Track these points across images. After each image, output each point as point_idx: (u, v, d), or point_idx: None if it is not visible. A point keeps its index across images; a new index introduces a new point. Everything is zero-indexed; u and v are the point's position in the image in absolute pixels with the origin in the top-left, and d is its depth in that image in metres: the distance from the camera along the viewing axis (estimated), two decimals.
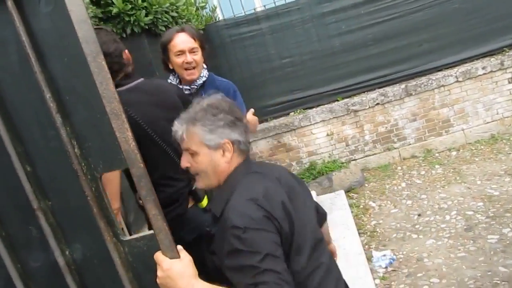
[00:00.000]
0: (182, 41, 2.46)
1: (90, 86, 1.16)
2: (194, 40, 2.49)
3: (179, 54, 2.46)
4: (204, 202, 2.20)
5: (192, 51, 2.48)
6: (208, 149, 1.47)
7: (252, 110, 2.67)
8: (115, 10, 4.03)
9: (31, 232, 1.29)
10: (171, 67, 2.56)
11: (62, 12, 1.14)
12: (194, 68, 2.53)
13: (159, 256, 1.24)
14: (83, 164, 1.23)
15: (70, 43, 1.16)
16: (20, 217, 1.29)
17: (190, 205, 2.20)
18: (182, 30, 2.49)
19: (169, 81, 2.60)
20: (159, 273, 1.24)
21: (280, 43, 6.78)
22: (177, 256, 1.24)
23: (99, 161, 1.24)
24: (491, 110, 6.54)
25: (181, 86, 2.56)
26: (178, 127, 1.51)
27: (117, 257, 1.26)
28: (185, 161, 1.53)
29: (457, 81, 6.47)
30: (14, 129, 1.24)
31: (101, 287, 1.33)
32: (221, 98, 1.56)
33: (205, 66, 2.73)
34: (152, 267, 1.26)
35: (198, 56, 2.52)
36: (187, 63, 2.46)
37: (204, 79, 2.65)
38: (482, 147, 6.30)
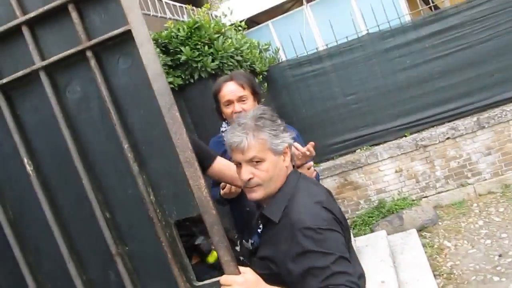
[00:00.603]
0: (230, 91, 2.35)
1: (164, 137, 1.22)
2: (243, 88, 2.37)
3: (227, 104, 2.37)
4: (212, 257, 2.15)
5: (240, 100, 2.36)
6: (274, 155, 1.48)
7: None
8: (183, 58, 4.24)
9: (109, 276, 1.34)
10: (224, 117, 2.48)
11: (139, 68, 1.22)
12: None
13: (228, 276, 1.24)
14: (158, 211, 1.28)
15: (146, 96, 1.23)
16: (99, 262, 1.34)
17: (194, 261, 2.15)
18: (231, 79, 2.40)
19: (222, 129, 2.52)
20: None
21: (344, 80, 6.77)
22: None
23: (173, 208, 1.28)
24: None
25: None
26: (241, 137, 1.46)
27: None
28: (247, 173, 1.47)
29: None
30: (95, 178, 1.31)
31: None
32: (266, 107, 1.58)
33: None
34: None
35: (247, 105, 2.37)
36: (235, 112, 2.33)
37: None
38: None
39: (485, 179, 6.33)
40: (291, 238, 1.35)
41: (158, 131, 1.23)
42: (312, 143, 2.22)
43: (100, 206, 1.30)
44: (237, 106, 2.34)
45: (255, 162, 1.46)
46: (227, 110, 2.37)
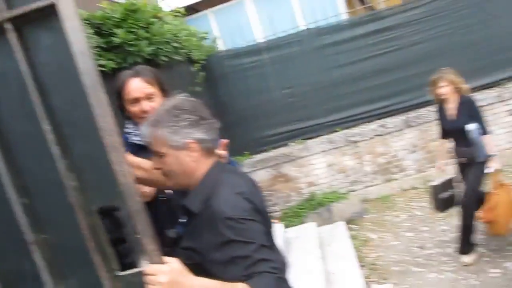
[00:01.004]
0: (136, 88, 2.08)
1: (89, 119, 1.16)
2: (151, 85, 2.13)
3: (134, 102, 2.09)
4: None
5: (149, 97, 2.10)
6: (174, 150, 1.47)
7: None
8: (117, 40, 4.07)
9: (24, 266, 1.26)
10: (127, 115, 2.19)
11: (63, 45, 1.14)
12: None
13: (153, 265, 1.21)
14: (80, 197, 1.22)
15: (71, 75, 1.16)
16: (14, 251, 1.26)
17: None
18: (137, 75, 2.12)
19: (126, 130, 2.25)
20: (162, 279, 1.19)
21: (281, 74, 6.84)
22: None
23: (96, 195, 1.22)
24: None
25: (135, 137, 2.20)
26: (145, 131, 1.52)
27: None
28: (155, 163, 1.55)
29: None
30: (12, 160, 1.23)
31: None
32: (184, 98, 1.55)
33: None
34: None
35: (156, 103, 2.11)
36: (143, 111, 2.08)
37: None
38: None
39: (410, 175, 6.66)
40: (213, 228, 1.35)
41: (82, 112, 1.17)
42: (225, 141, 2.08)
43: (17, 190, 1.22)
44: (145, 105, 2.08)
45: (159, 156, 1.51)
46: (133, 109, 2.10)
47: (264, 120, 6.91)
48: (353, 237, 5.49)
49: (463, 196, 4.23)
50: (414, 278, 4.26)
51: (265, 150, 6.93)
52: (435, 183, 4.48)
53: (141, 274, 1.23)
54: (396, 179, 6.68)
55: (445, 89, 4.21)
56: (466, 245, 4.27)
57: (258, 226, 1.40)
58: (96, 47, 3.95)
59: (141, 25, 4.24)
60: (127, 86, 2.08)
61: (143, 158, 1.81)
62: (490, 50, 6.52)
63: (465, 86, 4.27)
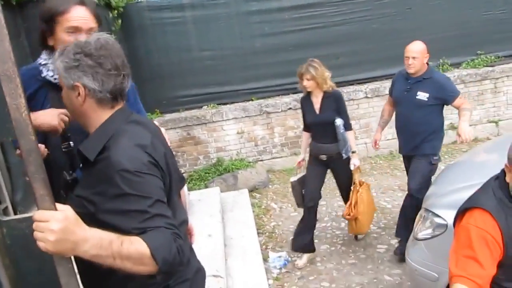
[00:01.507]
0: (81, 17, 1.89)
1: None
2: (95, 19, 1.96)
3: (72, 32, 1.87)
4: None
5: (89, 31, 1.90)
6: (65, 87, 1.41)
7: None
8: None
9: None
10: (51, 43, 1.96)
11: None
12: None
13: (44, 211, 1.11)
14: None
15: None
16: None
17: None
18: (82, 3, 1.92)
19: (41, 60, 2.01)
20: (54, 226, 1.10)
21: (202, 34, 6.67)
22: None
23: None
24: (392, 128, 6.89)
25: (55, 72, 1.94)
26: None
27: None
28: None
29: (366, 97, 6.80)
30: None
31: None
32: (96, 40, 1.41)
33: None
34: (34, 252, 1.13)
35: None
36: None
37: None
38: (381, 162, 6.65)
39: None
40: (108, 179, 1.27)
41: None
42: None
43: None
44: (83, 38, 1.78)
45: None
46: (68, 38, 1.86)
47: (179, 80, 6.72)
48: (255, 205, 5.60)
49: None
50: None
51: (178, 111, 6.78)
52: (294, 179, 4.37)
53: (29, 220, 1.12)
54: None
55: (308, 83, 4.03)
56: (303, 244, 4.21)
57: (156, 180, 1.34)
58: None
59: None
60: (69, 12, 1.86)
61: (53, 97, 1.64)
62: (404, 41, 6.83)
63: (328, 79, 4.06)
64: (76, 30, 1.87)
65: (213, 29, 6.66)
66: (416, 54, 3.83)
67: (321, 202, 5.47)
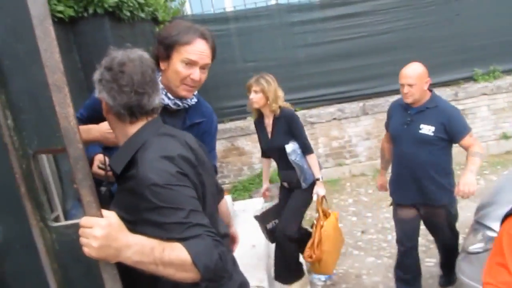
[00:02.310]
0: (201, 51, 1.87)
1: (33, 53, 1.05)
2: (212, 55, 1.94)
3: (188, 64, 1.86)
4: None
5: (204, 67, 1.91)
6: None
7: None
8: None
9: None
10: (162, 68, 1.95)
11: None
12: (195, 87, 1.97)
13: (90, 217, 1.14)
14: (15, 138, 1.12)
15: (17, 2, 1.04)
16: None
17: None
18: (205, 37, 1.90)
19: None
20: (98, 233, 1.12)
21: (246, 46, 6.73)
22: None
23: (34, 137, 1.13)
24: None
25: (164, 96, 1.98)
26: None
27: (42, 244, 1.15)
28: None
29: None
30: None
31: (20, 276, 1.20)
32: (123, 56, 1.40)
33: None
34: (81, 258, 1.16)
35: (205, 76, 1.96)
36: (192, 79, 1.88)
37: (195, 100, 2.11)
38: None
39: (360, 162, 6.78)
40: (140, 195, 1.27)
41: (26, 45, 1.06)
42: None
43: None
44: (197, 73, 1.88)
45: None
46: (183, 70, 1.87)
47: (224, 91, 6.79)
48: None
49: (277, 231, 3.70)
50: (353, 261, 4.37)
51: (222, 121, 6.85)
52: (258, 213, 3.91)
53: (76, 226, 1.15)
54: (347, 164, 6.79)
55: (255, 96, 3.52)
56: (287, 275, 3.78)
57: (187, 190, 1.33)
58: None
59: None
60: (191, 44, 1.85)
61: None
62: (452, 49, 6.67)
63: (280, 100, 3.58)
64: (192, 63, 1.86)
65: (256, 40, 6.71)
66: (413, 80, 3.08)
67: (367, 214, 5.39)
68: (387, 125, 3.53)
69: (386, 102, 6.52)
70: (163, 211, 1.26)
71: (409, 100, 3.15)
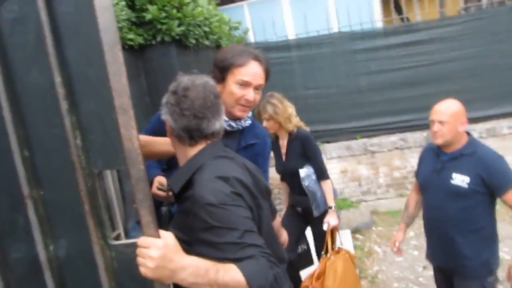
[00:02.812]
0: (254, 72, 1.93)
1: (102, 78, 1.11)
2: (266, 77, 1.99)
3: (242, 85, 1.92)
4: None
5: (258, 88, 1.97)
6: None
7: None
8: (149, 17, 4.06)
9: (17, 220, 1.22)
10: (218, 90, 1.97)
11: None
12: (249, 107, 2.02)
13: (147, 238, 1.16)
14: (82, 157, 1.17)
15: (90, 30, 1.11)
16: (9, 203, 1.22)
17: None
18: (258, 59, 1.96)
19: None
20: (154, 253, 1.14)
21: (308, 73, 6.75)
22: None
23: (100, 157, 1.17)
24: None
25: None
26: None
27: (102, 262, 1.19)
28: None
29: (480, 137, 6.33)
30: (18, 110, 1.19)
31: None
32: (188, 80, 1.45)
33: None
34: (138, 277, 1.18)
35: (259, 97, 2.01)
36: (246, 99, 1.94)
37: (249, 122, 2.16)
38: (498, 207, 6.10)
39: None
40: (195, 215, 1.29)
41: (96, 70, 1.12)
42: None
43: (19, 141, 1.18)
44: (251, 94, 1.93)
45: None
46: (237, 91, 1.92)
47: None
48: (357, 247, 5.39)
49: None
50: None
51: None
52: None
53: (135, 245, 1.18)
54: None
55: (268, 124, 3.37)
56: None
57: (241, 211, 1.34)
58: (127, 20, 3.93)
59: (174, 4, 4.21)
60: (245, 66, 1.92)
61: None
62: None
63: (293, 117, 3.43)
64: (246, 84, 1.92)
65: (318, 68, 6.71)
66: (445, 117, 2.62)
67: None
68: (417, 172, 3.11)
69: None
70: (218, 231, 1.27)
71: (438, 140, 2.68)
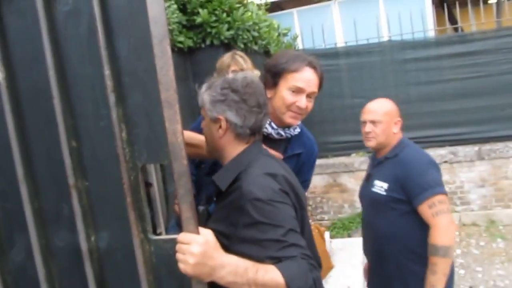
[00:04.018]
0: (308, 79, 1.86)
1: (150, 71, 1.11)
2: (319, 84, 1.92)
3: (294, 91, 1.86)
4: None
5: (311, 95, 1.90)
6: (208, 118, 1.47)
7: None
8: (199, 20, 4.11)
9: (62, 209, 1.24)
10: (269, 96, 1.89)
11: None
12: (301, 115, 1.94)
13: (188, 234, 1.14)
14: (127, 150, 1.18)
15: (140, 23, 1.12)
16: (55, 192, 1.24)
17: None
18: (312, 65, 1.89)
19: None
20: (195, 249, 1.11)
21: (356, 82, 6.65)
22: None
23: (144, 150, 1.17)
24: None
25: (268, 126, 1.95)
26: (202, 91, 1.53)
27: (141, 255, 1.19)
28: (202, 123, 1.56)
29: None
30: (68, 101, 1.21)
31: (118, 284, 1.25)
32: (247, 77, 1.47)
33: None
34: (176, 273, 1.17)
35: (312, 104, 1.93)
36: (298, 106, 1.87)
37: (298, 130, 2.08)
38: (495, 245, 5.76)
39: (473, 210, 6.27)
40: (241, 209, 1.28)
41: (145, 63, 1.13)
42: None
43: (67, 132, 1.20)
44: (304, 101, 1.86)
45: (203, 117, 1.54)
46: (288, 97, 1.86)
47: (329, 126, 6.74)
48: None
49: None
50: None
51: (326, 156, 6.77)
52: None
53: (174, 241, 1.17)
54: (457, 211, 6.31)
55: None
56: None
57: (287, 209, 1.32)
58: (178, 23, 4.00)
59: (224, 8, 4.25)
60: (299, 72, 1.86)
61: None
62: None
63: None
64: (299, 90, 1.86)
65: (366, 76, 6.60)
66: (378, 116, 2.42)
67: (477, 268, 4.93)
68: None
69: (506, 147, 6.02)
70: (262, 227, 1.25)
71: (371, 143, 2.44)
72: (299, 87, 1.84)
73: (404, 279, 2.30)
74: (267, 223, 1.25)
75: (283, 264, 1.20)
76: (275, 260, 1.21)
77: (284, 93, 1.87)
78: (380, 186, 2.35)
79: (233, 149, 1.46)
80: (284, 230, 1.25)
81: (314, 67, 1.88)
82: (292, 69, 1.85)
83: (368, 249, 2.55)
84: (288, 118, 1.91)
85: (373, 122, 2.42)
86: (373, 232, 2.43)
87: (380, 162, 2.45)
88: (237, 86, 1.43)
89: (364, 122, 2.47)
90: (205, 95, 1.47)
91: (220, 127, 1.43)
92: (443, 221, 2.16)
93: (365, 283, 2.75)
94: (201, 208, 1.53)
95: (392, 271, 2.33)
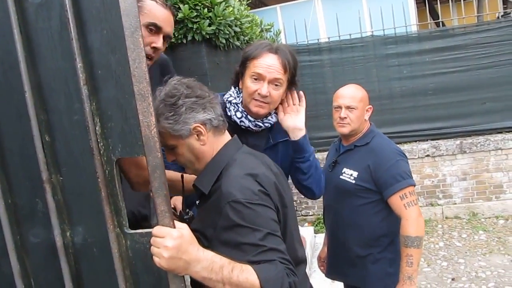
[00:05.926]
0: (268, 65, 1.79)
1: (123, 63, 1.10)
2: (284, 70, 1.82)
3: (257, 79, 1.80)
4: None
5: (274, 82, 1.81)
6: (182, 139, 1.40)
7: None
8: (180, 15, 4.08)
9: (36, 205, 1.23)
10: (240, 87, 1.91)
11: None
12: (267, 103, 1.86)
13: (162, 227, 1.12)
14: (101, 144, 1.17)
15: (112, 15, 1.10)
16: (28, 187, 1.22)
17: None
18: (275, 51, 1.82)
19: (229, 97, 1.96)
20: (169, 243, 1.10)
21: (339, 77, 6.67)
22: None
23: (118, 144, 1.16)
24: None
25: (245, 119, 1.92)
26: None
27: (117, 250, 1.18)
28: (170, 157, 1.48)
29: None
30: (40, 95, 1.19)
31: (94, 279, 1.23)
32: (177, 82, 1.44)
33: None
34: (152, 267, 1.16)
35: (278, 93, 1.84)
36: (260, 94, 1.80)
37: (273, 121, 2.00)
38: (484, 236, 5.81)
39: (455, 203, 6.35)
40: (219, 210, 1.27)
41: (118, 56, 1.12)
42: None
43: (40, 126, 1.18)
44: (265, 88, 1.79)
45: (170, 149, 1.44)
46: (251, 85, 1.81)
47: (314, 122, 6.74)
48: None
49: None
50: None
51: None
52: None
53: (150, 235, 1.16)
54: (439, 205, 6.38)
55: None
56: None
57: (267, 211, 1.31)
58: None
59: (205, 3, 4.22)
60: (259, 58, 1.81)
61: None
62: None
63: None
64: (260, 77, 1.80)
65: (349, 72, 6.63)
66: (354, 102, 2.37)
67: (459, 260, 4.99)
68: None
69: (487, 140, 6.10)
70: (241, 230, 1.25)
71: (345, 129, 2.38)
72: (258, 73, 1.80)
73: (364, 266, 2.34)
74: (246, 226, 1.24)
75: (261, 266, 1.20)
76: (253, 264, 1.21)
77: (247, 81, 1.84)
78: (349, 174, 2.35)
79: (215, 147, 1.45)
80: (263, 234, 1.24)
81: (276, 53, 1.82)
82: (253, 56, 1.82)
83: (331, 235, 2.55)
84: (253, 107, 1.87)
85: (348, 108, 2.38)
86: (338, 219, 2.43)
87: (349, 149, 2.43)
88: (181, 92, 1.40)
89: (339, 107, 2.42)
90: (161, 126, 1.38)
91: (199, 134, 1.41)
92: (414, 212, 2.21)
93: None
94: (190, 212, 1.54)
95: (353, 258, 2.37)
